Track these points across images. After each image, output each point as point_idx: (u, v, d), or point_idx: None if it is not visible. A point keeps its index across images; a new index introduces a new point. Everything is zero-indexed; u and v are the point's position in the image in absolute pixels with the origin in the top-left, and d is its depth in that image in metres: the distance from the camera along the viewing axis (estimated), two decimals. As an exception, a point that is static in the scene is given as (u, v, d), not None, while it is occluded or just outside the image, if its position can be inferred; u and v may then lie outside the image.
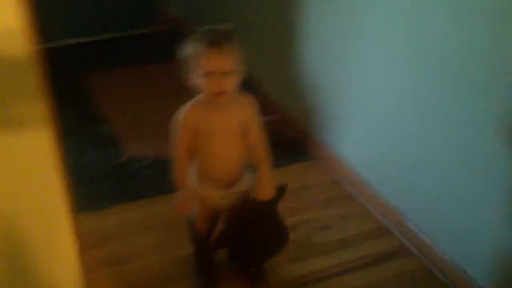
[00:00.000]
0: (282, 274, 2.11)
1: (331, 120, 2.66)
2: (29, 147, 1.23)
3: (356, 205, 2.48)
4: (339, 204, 2.49)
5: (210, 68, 1.67)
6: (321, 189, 2.60)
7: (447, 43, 1.90)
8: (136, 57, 3.90)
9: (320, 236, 2.30)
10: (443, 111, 1.98)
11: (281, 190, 1.92)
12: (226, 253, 2.13)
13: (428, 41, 1.99)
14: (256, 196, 1.88)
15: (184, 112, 1.81)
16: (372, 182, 2.43)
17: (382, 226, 2.35)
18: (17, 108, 1.18)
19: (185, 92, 1.80)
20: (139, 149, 2.81)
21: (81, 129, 3.00)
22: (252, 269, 2.09)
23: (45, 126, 1.22)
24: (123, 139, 2.91)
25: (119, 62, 3.80)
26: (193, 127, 1.80)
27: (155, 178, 2.62)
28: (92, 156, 2.77)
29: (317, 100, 2.73)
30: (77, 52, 3.95)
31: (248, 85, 1.85)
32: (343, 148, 2.61)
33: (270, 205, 1.93)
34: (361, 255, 2.20)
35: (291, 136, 2.92)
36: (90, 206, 2.41)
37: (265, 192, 1.88)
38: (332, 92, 2.62)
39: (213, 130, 1.80)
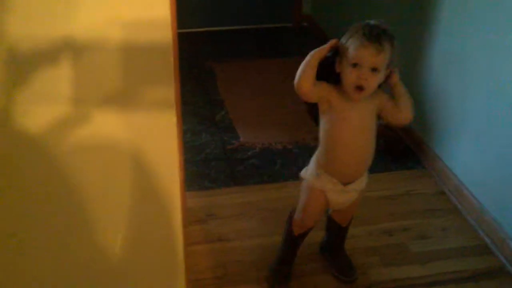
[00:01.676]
0: (371, 276, 2.10)
1: (446, 133, 2.60)
2: (157, 126, 1.34)
3: (459, 219, 2.40)
4: (442, 216, 2.42)
5: (360, 59, 1.62)
6: (426, 198, 2.54)
7: None
8: (264, 50, 4.03)
9: (417, 244, 2.26)
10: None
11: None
12: (319, 245, 2.16)
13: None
14: None
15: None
16: (480, 198, 2.34)
17: (483, 244, 2.26)
18: (153, 88, 1.30)
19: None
20: (250, 138, 2.92)
21: (201, 112, 3.17)
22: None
23: (172, 106, 1.32)
24: (238, 126, 3.02)
25: (247, 53, 3.95)
26: (328, 93, 1.72)
27: (259, 168, 2.71)
28: (207, 139, 2.91)
29: (434, 111, 2.68)
30: (209, 40, 4.16)
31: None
32: (454, 161, 2.54)
33: None
34: (456, 269, 2.13)
35: (404, 143, 2.88)
36: (197, 185, 2.56)
37: None
38: (450, 106, 2.56)
39: (346, 117, 1.74)
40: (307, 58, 1.68)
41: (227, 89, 3.43)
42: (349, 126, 1.75)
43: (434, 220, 2.40)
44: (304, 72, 1.68)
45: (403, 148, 2.87)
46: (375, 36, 1.61)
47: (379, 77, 1.66)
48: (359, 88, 1.66)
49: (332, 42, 1.69)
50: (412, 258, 2.19)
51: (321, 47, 1.69)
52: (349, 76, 1.65)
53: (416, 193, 2.57)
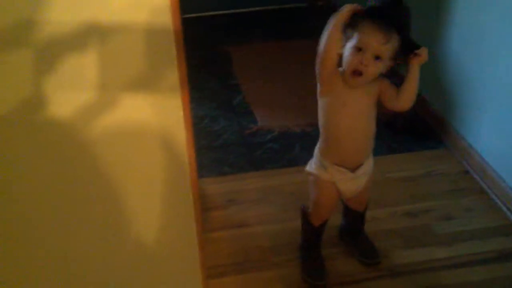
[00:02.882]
0: (394, 258, 2.07)
1: (468, 111, 2.54)
2: (163, 110, 1.32)
3: (484, 198, 2.35)
4: (467, 196, 2.37)
5: (366, 45, 1.59)
6: (449, 178, 2.49)
7: None
8: (279, 32, 3.97)
9: (441, 226, 2.22)
10: None
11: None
12: (338, 231, 2.13)
13: None
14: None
15: None
16: (505, 177, 2.29)
17: (510, 223, 2.21)
18: (158, 73, 1.27)
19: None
20: (268, 122, 2.88)
21: (218, 97, 3.14)
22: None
23: (178, 91, 1.30)
24: (255, 110, 2.99)
25: (262, 36, 3.90)
26: (337, 71, 1.69)
27: (278, 152, 2.68)
28: (225, 124, 2.89)
29: (455, 89, 2.62)
30: (223, 23, 4.11)
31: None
32: (477, 139, 2.49)
33: None
34: (482, 250, 2.09)
35: (426, 123, 2.83)
36: (217, 171, 2.54)
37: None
38: (471, 83, 2.50)
39: (344, 102, 1.71)
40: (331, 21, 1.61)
41: (243, 73, 3.39)
42: (347, 112, 1.72)
43: (458, 200, 2.35)
44: (331, 31, 1.60)
45: (423, 128, 2.82)
46: (385, 24, 1.58)
47: (380, 67, 1.63)
48: (357, 73, 1.63)
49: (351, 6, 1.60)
50: (436, 240, 2.15)
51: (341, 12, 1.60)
52: (351, 59, 1.62)
53: (438, 173, 2.52)
